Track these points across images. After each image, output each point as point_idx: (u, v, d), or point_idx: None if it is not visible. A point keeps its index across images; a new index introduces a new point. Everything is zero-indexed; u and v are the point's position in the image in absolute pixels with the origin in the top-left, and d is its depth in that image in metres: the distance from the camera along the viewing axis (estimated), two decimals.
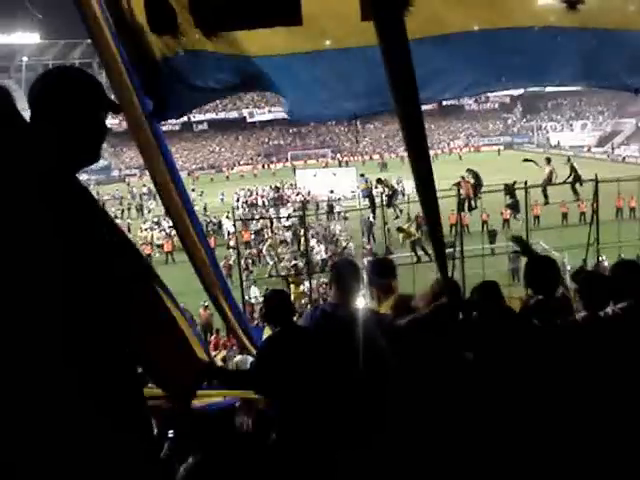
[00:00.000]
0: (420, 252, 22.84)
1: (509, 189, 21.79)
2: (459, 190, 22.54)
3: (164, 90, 4.58)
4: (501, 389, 3.50)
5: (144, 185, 59.96)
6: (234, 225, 26.41)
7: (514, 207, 23.50)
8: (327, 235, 33.13)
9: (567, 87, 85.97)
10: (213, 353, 11.58)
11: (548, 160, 22.63)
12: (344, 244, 30.17)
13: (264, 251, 30.63)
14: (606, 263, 17.37)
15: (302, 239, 26.96)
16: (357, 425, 3.61)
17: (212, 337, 19.54)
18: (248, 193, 52.84)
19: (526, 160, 23.30)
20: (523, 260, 19.04)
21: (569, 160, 24.40)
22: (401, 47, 1.89)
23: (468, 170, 24.03)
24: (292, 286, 22.44)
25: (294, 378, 3.75)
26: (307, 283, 20.48)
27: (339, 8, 3.84)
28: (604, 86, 4.83)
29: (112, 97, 2.30)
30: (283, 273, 25.47)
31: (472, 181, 23.40)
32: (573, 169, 22.76)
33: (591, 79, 4.71)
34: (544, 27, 4.00)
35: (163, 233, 36.29)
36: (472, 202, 23.41)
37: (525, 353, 3.56)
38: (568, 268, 20.94)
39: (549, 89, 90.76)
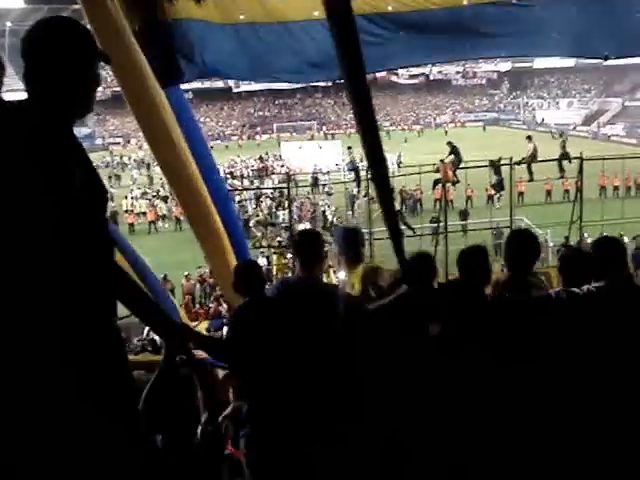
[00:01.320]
0: (403, 226, 22.84)
1: (494, 165, 21.81)
2: (438, 171, 22.67)
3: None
4: (467, 367, 3.51)
5: (121, 155, 59.90)
6: None
7: (498, 185, 23.54)
8: (311, 209, 33.03)
9: (543, 58, 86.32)
10: (194, 324, 11.55)
11: (529, 138, 22.65)
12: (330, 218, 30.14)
13: (251, 224, 30.60)
14: (589, 240, 17.48)
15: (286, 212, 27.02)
16: (329, 407, 3.63)
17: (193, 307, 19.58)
18: (233, 164, 52.61)
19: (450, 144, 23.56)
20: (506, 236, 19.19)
21: (562, 135, 24.46)
22: (346, 19, 1.89)
23: (448, 143, 23.97)
24: (274, 256, 22.48)
25: (261, 351, 3.72)
26: (290, 255, 20.49)
27: None
28: (576, 55, 4.89)
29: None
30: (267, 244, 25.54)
31: (451, 158, 23.35)
32: (564, 145, 22.84)
33: (565, 49, 4.76)
34: None
35: (146, 202, 36.17)
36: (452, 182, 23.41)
37: (490, 328, 3.57)
38: (551, 245, 21.10)
39: (537, 66, 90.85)
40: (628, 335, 3.48)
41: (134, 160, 56.82)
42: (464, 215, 26.54)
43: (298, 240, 4.40)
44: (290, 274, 19.55)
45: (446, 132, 72.56)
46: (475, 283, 3.83)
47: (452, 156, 22.74)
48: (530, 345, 3.48)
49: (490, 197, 29.61)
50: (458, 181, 23.30)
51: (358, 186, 28.68)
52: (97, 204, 2.16)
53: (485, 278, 3.93)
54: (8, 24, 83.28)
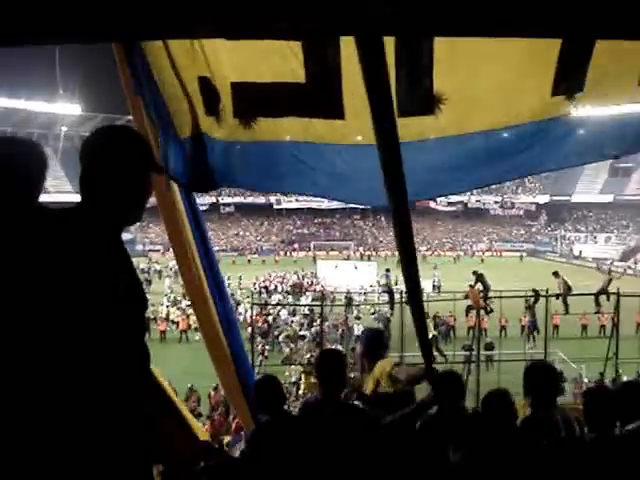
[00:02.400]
0: (435, 352, 22.58)
1: (529, 307, 21.71)
2: (467, 298, 22.66)
3: (206, 163, 4.74)
4: None
5: (156, 262, 60.75)
6: (251, 308, 26.46)
7: (532, 326, 23.51)
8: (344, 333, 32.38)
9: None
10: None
11: (556, 273, 22.64)
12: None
13: (281, 339, 30.43)
14: (624, 378, 17.10)
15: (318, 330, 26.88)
16: None
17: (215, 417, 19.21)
18: (269, 277, 52.95)
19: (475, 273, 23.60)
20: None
21: (610, 272, 24.38)
22: (392, 147, 1.96)
23: (473, 272, 24.08)
24: (303, 375, 22.20)
25: (282, 468, 3.67)
26: None
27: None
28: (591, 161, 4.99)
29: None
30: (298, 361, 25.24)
31: (479, 287, 23.40)
32: (609, 281, 22.75)
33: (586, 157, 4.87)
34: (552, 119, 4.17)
35: (180, 311, 36.33)
36: (484, 309, 23.25)
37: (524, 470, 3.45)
38: (585, 380, 20.62)
39: (575, 200, 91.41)
40: None
41: (170, 268, 57.58)
42: (490, 347, 26.05)
43: (319, 359, 4.36)
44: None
45: (482, 260, 72.58)
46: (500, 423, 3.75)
47: (479, 286, 22.82)
48: None
49: (524, 327, 29.17)
50: (492, 310, 23.15)
51: (392, 309, 28.66)
52: (138, 313, 2.19)
53: (509, 419, 3.84)
54: (64, 129, 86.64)
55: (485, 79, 3.94)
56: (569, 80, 3.85)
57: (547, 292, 18.64)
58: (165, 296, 42.19)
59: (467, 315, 26.09)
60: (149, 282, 51.62)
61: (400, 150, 1.95)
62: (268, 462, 3.72)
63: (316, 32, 2.54)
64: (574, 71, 3.81)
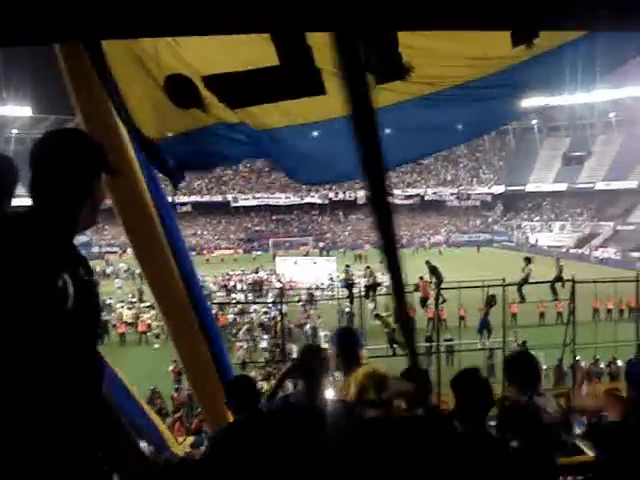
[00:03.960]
0: (396, 345, 22.81)
1: (490, 303, 21.95)
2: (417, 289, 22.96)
3: (185, 154, 4.71)
4: None
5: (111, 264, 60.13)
6: (212, 308, 26.32)
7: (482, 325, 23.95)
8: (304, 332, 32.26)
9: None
10: (180, 439, 11.25)
11: (528, 260, 22.91)
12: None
13: (240, 335, 30.34)
14: (582, 364, 17.40)
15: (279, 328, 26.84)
16: None
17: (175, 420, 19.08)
18: (227, 277, 52.75)
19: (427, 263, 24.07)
20: (499, 357, 18.95)
21: (558, 260, 24.77)
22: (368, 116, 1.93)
23: (426, 262, 24.50)
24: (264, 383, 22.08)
25: (251, 468, 3.63)
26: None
27: None
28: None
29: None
30: (260, 359, 25.17)
31: (431, 280, 23.82)
32: (560, 269, 23.10)
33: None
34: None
35: (135, 311, 36.07)
36: (434, 299, 23.55)
37: None
38: (544, 367, 20.94)
39: (529, 189, 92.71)
40: None
41: (124, 271, 57.00)
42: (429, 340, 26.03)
43: (303, 359, 4.35)
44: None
45: (440, 252, 73.25)
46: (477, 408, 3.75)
47: (431, 277, 23.21)
48: None
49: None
50: (444, 300, 23.43)
51: (351, 303, 28.84)
52: (90, 324, 2.12)
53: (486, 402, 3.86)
54: (14, 131, 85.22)
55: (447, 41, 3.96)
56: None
57: (503, 281, 18.84)
58: (116, 298, 41.70)
59: (423, 307, 26.34)
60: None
61: (376, 120, 1.90)
62: (238, 462, 3.68)
63: (286, 28, 2.54)
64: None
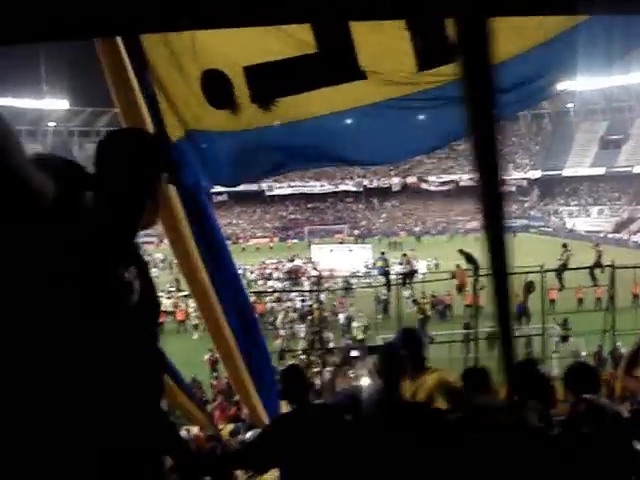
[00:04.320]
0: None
1: (528, 288, 21.76)
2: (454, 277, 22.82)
3: (218, 158, 4.76)
4: None
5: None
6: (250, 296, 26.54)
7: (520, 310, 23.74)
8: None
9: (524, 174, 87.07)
10: (220, 426, 11.36)
11: (565, 246, 22.69)
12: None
13: (278, 323, 30.46)
14: (622, 350, 17.18)
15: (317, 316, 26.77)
16: None
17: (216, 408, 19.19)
18: (263, 265, 52.97)
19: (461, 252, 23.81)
20: (536, 344, 18.75)
21: (597, 245, 24.45)
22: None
23: (459, 251, 24.22)
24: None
25: (300, 459, 3.67)
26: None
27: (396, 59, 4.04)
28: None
29: None
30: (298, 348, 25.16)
31: (467, 266, 23.63)
32: (598, 254, 22.83)
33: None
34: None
35: (172, 300, 36.38)
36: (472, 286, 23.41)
37: None
38: (584, 354, 20.74)
39: (566, 174, 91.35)
40: None
41: (160, 261, 57.51)
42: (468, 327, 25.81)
43: (383, 356, 4.20)
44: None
45: (476, 238, 72.66)
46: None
47: (467, 265, 23.03)
48: None
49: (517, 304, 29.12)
50: (482, 287, 23.28)
51: (388, 290, 28.77)
52: (151, 318, 2.16)
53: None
54: (52, 124, 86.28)
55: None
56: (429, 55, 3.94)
57: (542, 267, 18.68)
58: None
59: (459, 293, 26.32)
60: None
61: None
62: (283, 452, 3.73)
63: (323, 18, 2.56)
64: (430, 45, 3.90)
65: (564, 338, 21.68)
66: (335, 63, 4.10)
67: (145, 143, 2.20)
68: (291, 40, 3.95)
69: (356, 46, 3.91)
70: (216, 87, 4.25)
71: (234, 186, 5.65)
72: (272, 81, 4.22)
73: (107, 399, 1.84)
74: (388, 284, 27.85)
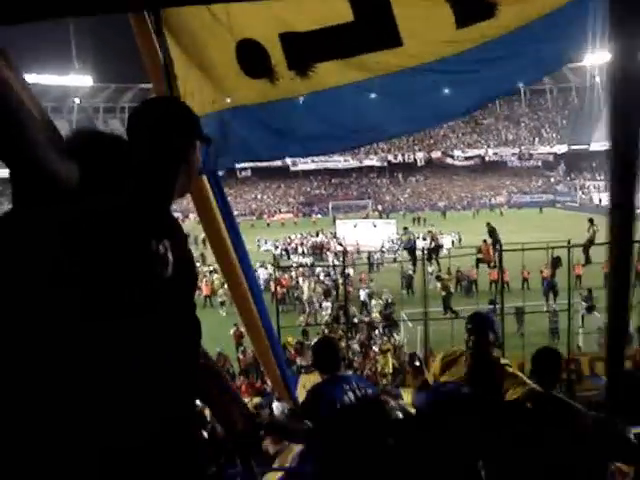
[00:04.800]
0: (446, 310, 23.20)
1: (555, 264, 21.73)
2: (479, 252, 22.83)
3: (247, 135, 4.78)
4: None
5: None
6: (274, 271, 26.64)
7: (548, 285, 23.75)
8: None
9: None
10: (246, 400, 11.48)
11: (591, 221, 22.48)
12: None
13: (303, 297, 30.53)
14: None
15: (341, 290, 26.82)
16: None
17: (242, 382, 19.37)
18: (288, 240, 53.10)
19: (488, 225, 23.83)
20: (562, 320, 18.68)
21: None
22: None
23: (487, 224, 24.26)
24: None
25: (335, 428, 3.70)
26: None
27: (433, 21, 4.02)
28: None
29: None
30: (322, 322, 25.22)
31: (490, 240, 23.68)
32: None
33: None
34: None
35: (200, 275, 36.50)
36: (495, 262, 23.38)
37: None
38: None
39: (593, 148, 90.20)
40: None
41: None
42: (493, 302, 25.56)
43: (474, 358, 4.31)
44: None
45: (502, 213, 72.25)
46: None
47: (490, 239, 23.08)
48: None
49: (545, 279, 28.97)
50: (495, 265, 23.28)
51: (414, 265, 28.74)
52: (188, 288, 2.13)
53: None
54: (77, 100, 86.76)
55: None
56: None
57: (569, 242, 18.51)
58: None
59: (477, 267, 26.33)
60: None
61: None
62: (323, 422, 3.76)
63: None
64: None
65: (589, 309, 21.59)
66: (373, 30, 4.07)
67: (175, 110, 2.17)
68: (327, 10, 3.94)
69: (394, 10, 3.88)
70: (252, 56, 4.24)
71: (271, 160, 5.66)
72: (308, 47, 4.20)
73: (131, 397, 1.76)
74: (414, 259, 27.83)
